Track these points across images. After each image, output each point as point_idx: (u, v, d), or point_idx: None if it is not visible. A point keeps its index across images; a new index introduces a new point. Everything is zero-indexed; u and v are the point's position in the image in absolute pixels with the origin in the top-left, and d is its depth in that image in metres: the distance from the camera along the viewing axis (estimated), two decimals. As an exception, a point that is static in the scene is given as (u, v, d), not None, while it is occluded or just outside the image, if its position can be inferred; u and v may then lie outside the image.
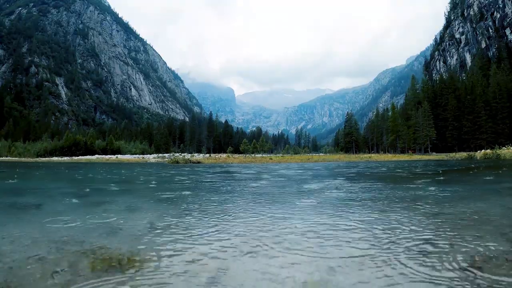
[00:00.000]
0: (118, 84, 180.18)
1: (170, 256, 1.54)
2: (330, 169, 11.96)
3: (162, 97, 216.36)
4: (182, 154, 39.08)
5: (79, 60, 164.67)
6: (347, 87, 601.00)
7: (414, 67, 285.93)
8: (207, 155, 43.82)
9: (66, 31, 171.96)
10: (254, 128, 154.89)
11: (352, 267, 1.36)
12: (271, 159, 26.02)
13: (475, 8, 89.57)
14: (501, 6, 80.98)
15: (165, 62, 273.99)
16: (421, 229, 2.06)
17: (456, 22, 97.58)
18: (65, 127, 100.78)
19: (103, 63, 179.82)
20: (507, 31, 77.41)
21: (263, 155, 47.60)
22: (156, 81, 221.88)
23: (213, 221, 2.44)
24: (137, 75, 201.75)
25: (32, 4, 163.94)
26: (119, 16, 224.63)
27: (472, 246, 1.64)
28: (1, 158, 42.04)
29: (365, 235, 1.91)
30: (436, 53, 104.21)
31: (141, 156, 41.33)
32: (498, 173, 8.16)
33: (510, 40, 75.77)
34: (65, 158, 36.79)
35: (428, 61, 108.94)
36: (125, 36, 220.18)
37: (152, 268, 1.37)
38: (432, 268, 1.33)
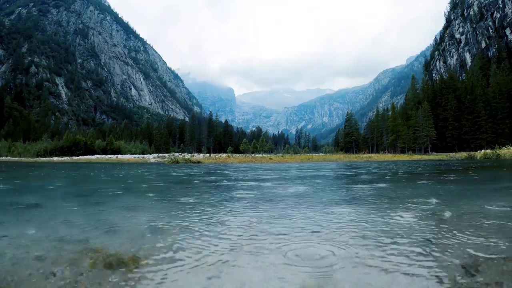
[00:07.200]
0: (118, 84, 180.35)
1: (170, 255, 1.54)
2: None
3: (162, 97, 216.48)
4: (182, 154, 39.08)
5: (79, 60, 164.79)
6: (347, 87, 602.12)
7: (414, 67, 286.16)
8: (207, 155, 43.78)
9: (66, 31, 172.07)
10: (254, 128, 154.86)
11: (352, 266, 1.36)
12: (271, 159, 26.01)
13: (475, 8, 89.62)
14: (501, 6, 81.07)
15: (165, 62, 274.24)
16: (421, 228, 2.06)
17: (456, 22, 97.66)
18: (65, 127, 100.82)
19: (103, 63, 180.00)
20: (507, 31, 77.47)
21: (263, 155, 47.58)
22: (156, 81, 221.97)
23: (214, 220, 2.43)
24: (137, 75, 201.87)
25: (32, 4, 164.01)
26: (119, 16, 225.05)
27: (472, 245, 1.63)
28: (1, 158, 42.03)
29: (365, 234, 1.91)
30: (436, 53, 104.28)
31: (141, 156, 41.27)
32: (497, 173, 8.16)
33: (510, 40, 75.81)
34: (65, 158, 36.77)
35: (428, 61, 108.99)
36: (125, 36, 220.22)
37: (153, 267, 1.37)
38: (431, 267, 1.33)
